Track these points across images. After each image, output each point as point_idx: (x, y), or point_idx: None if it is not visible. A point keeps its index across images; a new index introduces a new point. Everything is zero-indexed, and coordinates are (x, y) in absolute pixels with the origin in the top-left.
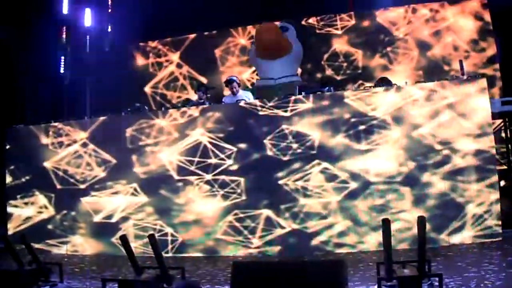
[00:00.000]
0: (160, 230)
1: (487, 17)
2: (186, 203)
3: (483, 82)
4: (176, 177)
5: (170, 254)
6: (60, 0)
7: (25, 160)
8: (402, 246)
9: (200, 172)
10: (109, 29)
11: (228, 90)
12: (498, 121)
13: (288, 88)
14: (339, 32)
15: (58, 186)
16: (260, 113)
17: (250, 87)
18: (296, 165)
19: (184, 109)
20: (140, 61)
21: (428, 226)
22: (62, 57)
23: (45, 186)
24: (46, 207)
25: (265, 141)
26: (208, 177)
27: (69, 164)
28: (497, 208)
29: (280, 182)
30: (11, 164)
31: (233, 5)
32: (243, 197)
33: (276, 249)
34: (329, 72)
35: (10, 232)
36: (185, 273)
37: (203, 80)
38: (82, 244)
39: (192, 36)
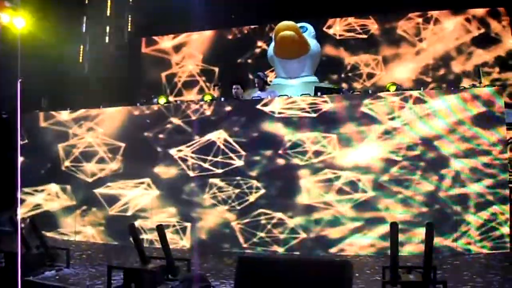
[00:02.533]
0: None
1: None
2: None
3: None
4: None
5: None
6: None
7: (39, 148)
8: None
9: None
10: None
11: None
12: None
13: (305, 88)
14: (363, 36)
15: (72, 176)
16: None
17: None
18: None
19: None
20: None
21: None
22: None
23: (59, 176)
24: (58, 196)
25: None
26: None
27: (83, 154)
28: (507, 218)
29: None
30: (25, 151)
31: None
32: None
33: None
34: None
35: (20, 217)
36: (191, 265)
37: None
38: (93, 234)
39: (211, 32)
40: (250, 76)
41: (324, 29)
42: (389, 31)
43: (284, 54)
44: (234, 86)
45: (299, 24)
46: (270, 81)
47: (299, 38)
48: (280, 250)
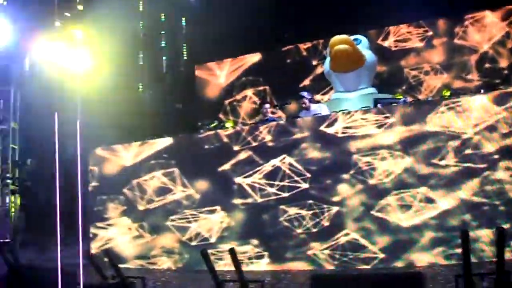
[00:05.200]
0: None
1: None
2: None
3: None
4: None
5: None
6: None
7: (108, 181)
8: None
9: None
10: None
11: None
12: None
13: (364, 100)
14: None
15: (142, 208)
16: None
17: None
18: None
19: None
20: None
21: None
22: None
23: (130, 208)
24: (130, 228)
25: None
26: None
27: (153, 185)
28: None
29: None
30: (95, 185)
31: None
32: None
33: None
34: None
35: (93, 251)
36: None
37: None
38: (167, 262)
39: (263, 54)
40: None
41: (379, 41)
42: (448, 36)
43: (340, 68)
44: (265, 106)
45: (352, 37)
46: (329, 99)
47: (354, 51)
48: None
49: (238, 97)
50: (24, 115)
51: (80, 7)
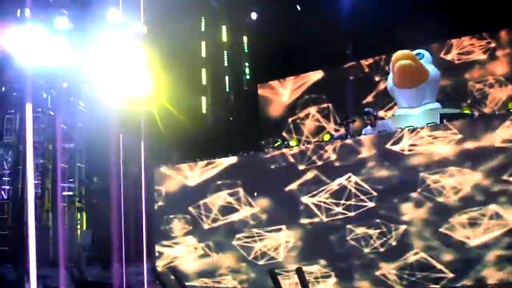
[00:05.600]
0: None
1: None
2: None
3: None
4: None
5: None
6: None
7: (173, 200)
8: None
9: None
10: (247, 69)
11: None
12: None
13: (429, 116)
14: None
15: (206, 227)
16: None
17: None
18: None
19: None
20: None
21: None
22: (204, 98)
23: (195, 227)
24: (195, 248)
25: None
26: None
27: (218, 204)
28: None
29: None
30: (161, 204)
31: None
32: None
33: None
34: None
35: (158, 269)
36: None
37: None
38: (233, 281)
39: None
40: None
41: (442, 55)
42: (511, 47)
43: (404, 84)
44: (347, 121)
45: (415, 52)
46: (392, 115)
47: (417, 66)
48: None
49: (301, 115)
50: (91, 134)
51: (144, 30)
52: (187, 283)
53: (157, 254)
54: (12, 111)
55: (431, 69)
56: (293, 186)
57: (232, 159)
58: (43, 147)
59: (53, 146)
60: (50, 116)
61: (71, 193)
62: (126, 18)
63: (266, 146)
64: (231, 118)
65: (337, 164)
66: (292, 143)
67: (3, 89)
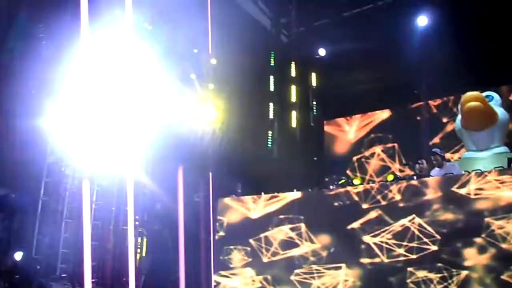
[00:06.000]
0: None
1: None
2: None
3: None
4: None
5: None
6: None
7: (235, 231)
8: None
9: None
10: (314, 105)
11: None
12: None
13: (497, 160)
14: None
15: (266, 260)
16: None
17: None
18: None
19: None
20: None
21: None
22: (270, 132)
23: (254, 259)
24: (253, 280)
25: None
26: None
27: (279, 238)
28: None
29: None
30: (222, 234)
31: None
32: None
33: None
34: None
35: None
36: None
37: None
38: None
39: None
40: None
41: (511, 97)
42: None
43: (472, 126)
44: (419, 161)
45: (484, 93)
46: (459, 157)
47: (486, 108)
48: None
49: (366, 153)
50: (155, 161)
51: (214, 62)
52: None
53: (214, 283)
54: None
55: (500, 112)
56: (355, 224)
57: (296, 194)
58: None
59: None
60: None
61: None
62: (195, 48)
63: (330, 183)
64: (295, 153)
65: (401, 204)
66: (356, 181)
67: None
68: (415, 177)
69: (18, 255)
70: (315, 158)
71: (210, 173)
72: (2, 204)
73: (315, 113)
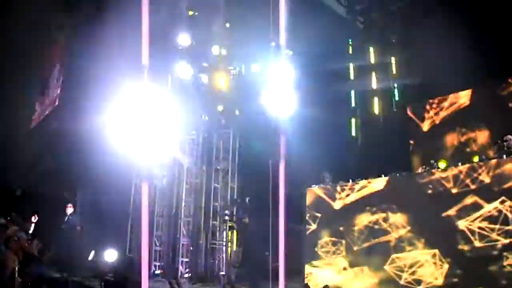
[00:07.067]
0: None
1: None
2: None
3: None
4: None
5: None
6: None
7: (323, 220)
8: None
9: None
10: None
11: None
12: None
13: None
14: None
15: (356, 248)
16: None
17: None
18: None
19: None
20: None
21: None
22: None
23: (345, 248)
24: (345, 269)
25: None
26: None
27: (370, 226)
28: None
29: None
30: (312, 225)
31: None
32: None
33: None
34: None
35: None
36: None
37: None
38: None
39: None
40: None
41: None
42: None
43: None
44: (507, 137)
45: None
46: None
47: None
48: None
49: (450, 136)
50: (243, 155)
51: (290, 52)
52: None
53: (306, 275)
54: None
55: None
56: (451, 211)
57: (383, 180)
58: (197, 167)
59: (206, 167)
60: (204, 138)
61: (223, 212)
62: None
63: (418, 167)
64: (380, 140)
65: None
66: (442, 164)
67: None
68: (504, 156)
69: (112, 255)
70: (411, 142)
71: (295, 164)
72: (94, 206)
73: (397, 98)
